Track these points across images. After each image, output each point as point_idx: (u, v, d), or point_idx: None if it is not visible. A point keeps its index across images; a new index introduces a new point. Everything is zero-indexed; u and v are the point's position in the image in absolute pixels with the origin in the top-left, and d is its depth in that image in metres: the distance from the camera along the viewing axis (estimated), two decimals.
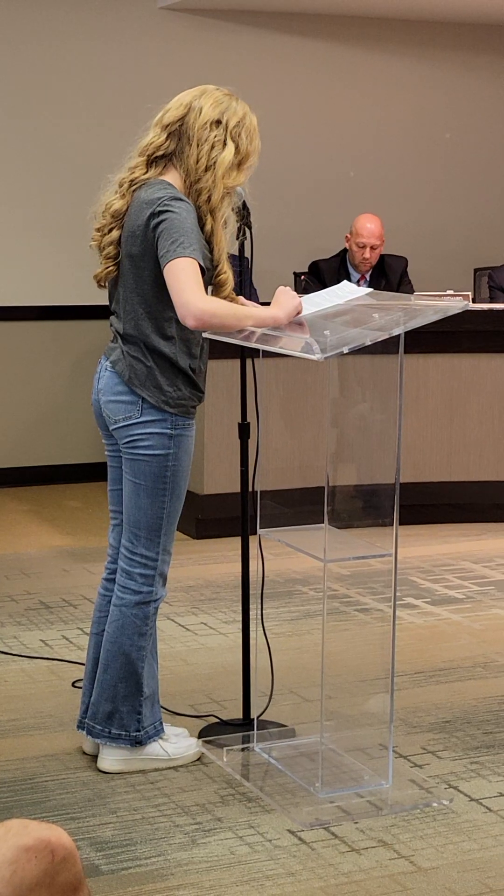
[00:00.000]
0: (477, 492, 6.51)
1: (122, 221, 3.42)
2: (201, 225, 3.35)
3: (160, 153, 3.39)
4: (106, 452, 3.60)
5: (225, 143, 3.36)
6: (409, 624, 4.90)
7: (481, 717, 3.97)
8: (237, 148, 3.37)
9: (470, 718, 3.96)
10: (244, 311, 3.32)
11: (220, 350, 3.62)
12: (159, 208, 3.29)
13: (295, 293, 3.43)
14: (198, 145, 3.35)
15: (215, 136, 3.35)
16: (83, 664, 4.06)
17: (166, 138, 3.38)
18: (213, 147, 3.35)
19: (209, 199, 3.35)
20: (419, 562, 5.78)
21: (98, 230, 3.47)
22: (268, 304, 3.45)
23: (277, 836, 3.19)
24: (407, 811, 3.33)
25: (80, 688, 3.76)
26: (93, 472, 7.24)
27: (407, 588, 5.36)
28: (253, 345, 3.35)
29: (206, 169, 3.34)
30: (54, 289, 7.33)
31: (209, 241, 3.36)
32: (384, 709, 3.56)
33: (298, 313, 3.40)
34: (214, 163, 3.34)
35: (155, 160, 3.40)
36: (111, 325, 3.52)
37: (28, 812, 3.28)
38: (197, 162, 3.35)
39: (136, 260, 3.37)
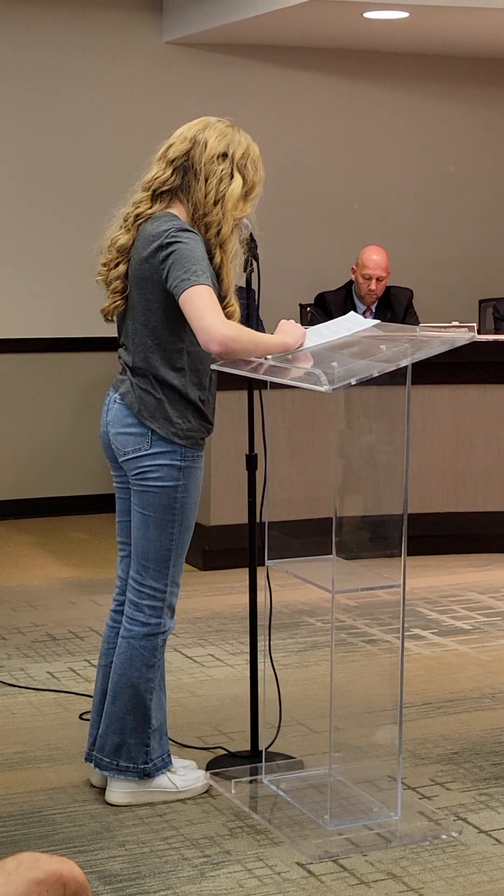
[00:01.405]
0: (484, 522, 6.50)
1: (128, 255, 3.43)
2: (210, 258, 3.37)
3: (165, 188, 3.41)
4: (114, 484, 3.61)
5: (232, 176, 3.38)
6: (417, 655, 4.89)
7: (489, 749, 3.96)
8: (244, 179, 3.40)
9: (478, 750, 3.95)
10: (260, 337, 3.34)
11: (228, 381, 3.63)
12: (167, 240, 3.31)
13: (298, 324, 3.45)
14: (206, 179, 3.37)
15: (222, 170, 3.37)
16: (90, 696, 4.05)
17: (171, 173, 3.40)
18: (220, 180, 3.37)
19: (219, 232, 3.37)
20: (426, 592, 5.77)
21: (104, 265, 3.49)
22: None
23: (286, 869, 3.18)
24: (416, 843, 3.32)
25: (88, 720, 3.75)
26: (99, 504, 7.24)
27: (414, 619, 5.35)
28: (261, 376, 3.37)
29: (215, 202, 3.36)
30: (61, 321, 7.36)
31: (218, 274, 3.38)
32: (392, 740, 3.55)
33: (302, 344, 3.41)
34: (223, 196, 3.36)
35: (160, 194, 3.42)
36: (120, 358, 3.53)
37: (36, 845, 3.27)
38: (206, 196, 3.36)
39: (145, 293, 3.39)
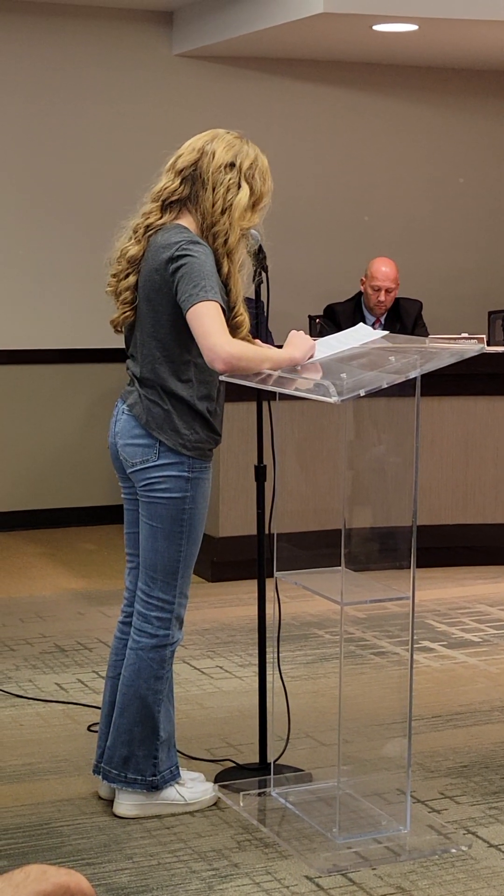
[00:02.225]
0: (493, 534, 6.49)
1: (138, 267, 3.44)
2: (218, 268, 3.37)
3: (174, 198, 3.41)
4: (122, 495, 3.60)
5: (239, 186, 3.38)
6: (426, 667, 4.87)
7: (499, 762, 3.94)
8: (251, 189, 3.40)
9: (488, 763, 3.93)
10: (266, 353, 3.33)
11: (237, 393, 3.63)
12: (178, 252, 3.31)
13: (308, 336, 3.44)
14: (213, 189, 3.37)
15: (230, 179, 3.38)
16: (98, 708, 4.03)
17: (180, 183, 3.40)
18: (228, 190, 3.37)
19: (226, 241, 3.37)
20: (435, 605, 5.75)
21: (114, 276, 3.49)
22: (281, 346, 3.45)
23: (295, 883, 3.16)
24: (425, 857, 3.30)
25: (96, 732, 3.74)
26: (107, 515, 7.24)
27: (423, 631, 5.33)
28: (270, 388, 3.36)
29: (223, 212, 3.37)
30: (70, 332, 7.37)
31: (226, 284, 3.38)
32: (401, 753, 3.54)
33: (311, 356, 3.41)
34: (230, 205, 3.37)
35: (169, 205, 3.42)
36: (128, 369, 3.53)
37: (44, 857, 3.26)
38: (213, 205, 3.37)
39: (154, 304, 3.39)
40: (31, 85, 7.20)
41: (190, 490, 3.42)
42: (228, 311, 3.39)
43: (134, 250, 3.43)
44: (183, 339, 3.35)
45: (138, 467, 3.43)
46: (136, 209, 3.50)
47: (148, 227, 3.42)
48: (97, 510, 7.40)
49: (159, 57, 7.44)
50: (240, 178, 3.39)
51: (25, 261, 7.28)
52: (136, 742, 3.49)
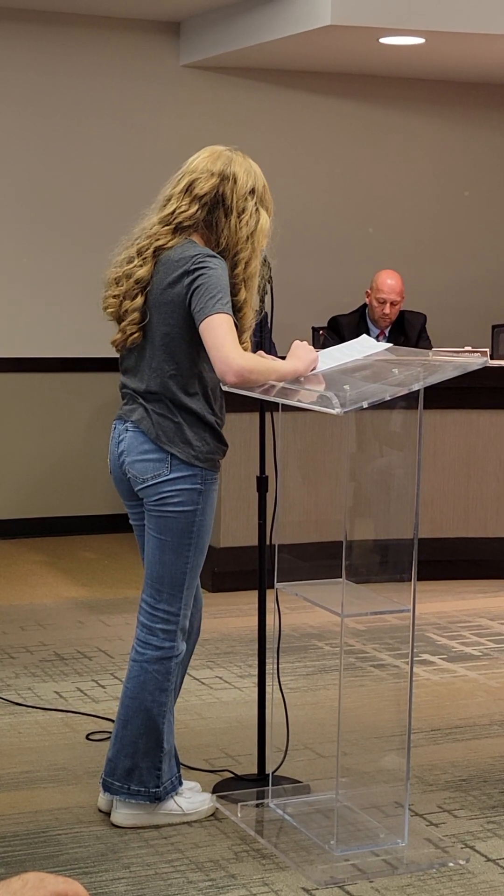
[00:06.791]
0: (494, 548, 6.49)
1: (146, 287, 3.40)
2: (235, 292, 3.35)
3: (190, 222, 3.38)
4: (132, 521, 3.55)
5: (258, 210, 3.38)
6: (426, 681, 4.87)
7: (498, 776, 3.93)
8: (267, 212, 3.40)
9: (487, 777, 3.92)
10: (274, 365, 3.33)
11: (239, 403, 3.63)
12: (194, 266, 3.29)
13: (311, 347, 3.44)
14: (238, 215, 3.35)
15: (252, 205, 3.37)
16: (98, 716, 4.04)
17: (198, 209, 3.37)
18: (251, 216, 3.36)
19: (246, 267, 3.36)
20: (435, 618, 5.75)
21: (115, 297, 3.43)
22: (285, 357, 3.45)
23: (292, 894, 3.16)
24: (423, 871, 3.30)
25: (95, 741, 3.74)
26: (108, 524, 7.24)
27: (423, 644, 5.33)
28: (273, 399, 3.36)
29: (247, 238, 3.35)
30: (73, 340, 7.38)
31: (241, 309, 3.35)
32: (400, 766, 3.53)
33: (315, 368, 3.41)
34: (253, 231, 3.35)
35: (182, 229, 3.40)
36: (125, 387, 3.49)
37: (41, 866, 3.25)
38: (238, 232, 3.34)
39: (166, 318, 3.35)
40: (37, 94, 7.22)
41: (201, 502, 3.40)
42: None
43: (141, 272, 3.38)
44: (193, 351, 3.33)
45: (150, 483, 3.40)
46: (136, 223, 3.46)
47: (157, 248, 3.39)
48: (98, 519, 7.40)
49: (166, 67, 7.46)
50: (257, 203, 3.38)
51: (29, 269, 7.29)
52: (139, 754, 3.47)
